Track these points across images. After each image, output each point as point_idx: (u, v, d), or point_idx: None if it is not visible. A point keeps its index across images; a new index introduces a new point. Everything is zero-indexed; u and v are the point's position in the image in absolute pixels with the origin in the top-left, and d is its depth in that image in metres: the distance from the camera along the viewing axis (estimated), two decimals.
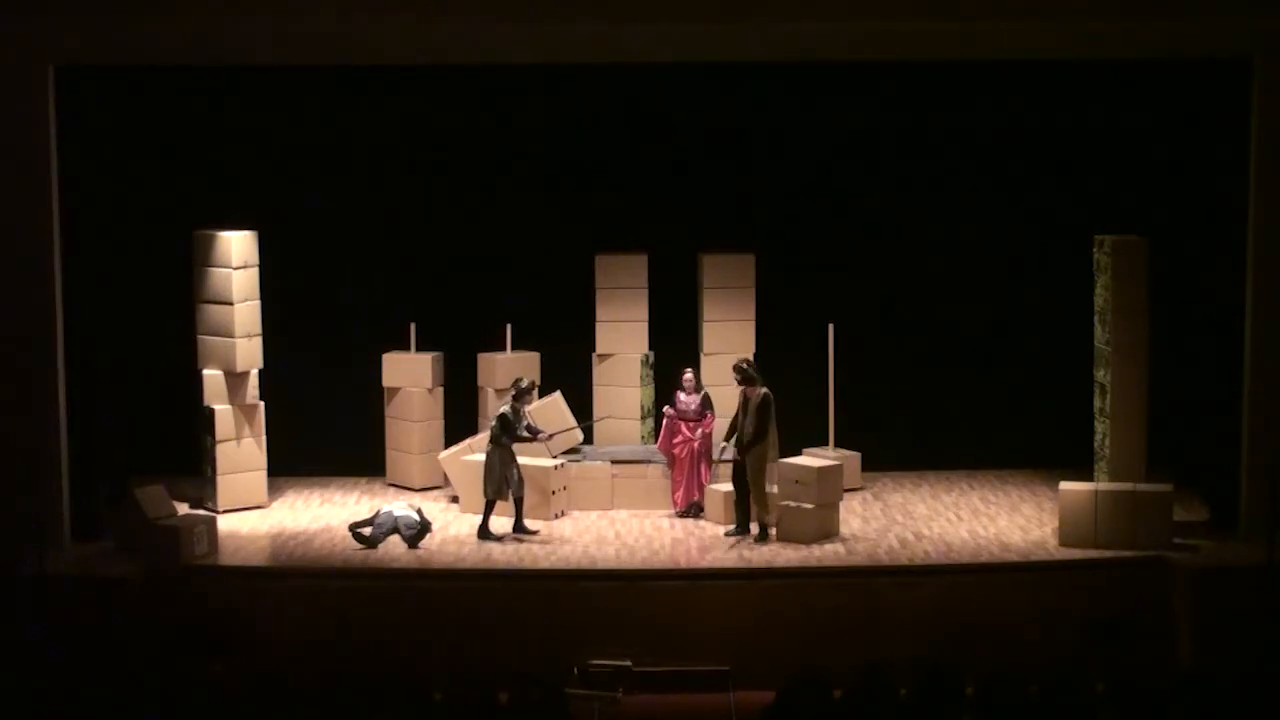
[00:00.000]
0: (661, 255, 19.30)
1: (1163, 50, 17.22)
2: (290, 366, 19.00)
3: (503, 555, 17.07)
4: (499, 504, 17.62)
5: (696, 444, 17.97)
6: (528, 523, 17.65)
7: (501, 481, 17.44)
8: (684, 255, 19.40)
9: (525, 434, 17.60)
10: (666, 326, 19.28)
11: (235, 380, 18.44)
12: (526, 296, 19.35)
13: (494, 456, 17.46)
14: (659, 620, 16.32)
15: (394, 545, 17.24)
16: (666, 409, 18.08)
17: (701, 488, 18.06)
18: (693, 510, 18.02)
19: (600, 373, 19.18)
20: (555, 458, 18.50)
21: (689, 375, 18.15)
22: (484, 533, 17.46)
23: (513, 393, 17.60)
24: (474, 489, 18.36)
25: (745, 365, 17.55)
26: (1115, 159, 18.91)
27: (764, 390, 17.35)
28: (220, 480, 18.40)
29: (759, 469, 17.31)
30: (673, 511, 18.08)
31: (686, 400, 18.00)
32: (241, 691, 13.68)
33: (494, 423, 17.52)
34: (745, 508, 17.48)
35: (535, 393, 17.72)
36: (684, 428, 18.02)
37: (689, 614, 16.38)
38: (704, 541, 17.46)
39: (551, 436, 17.98)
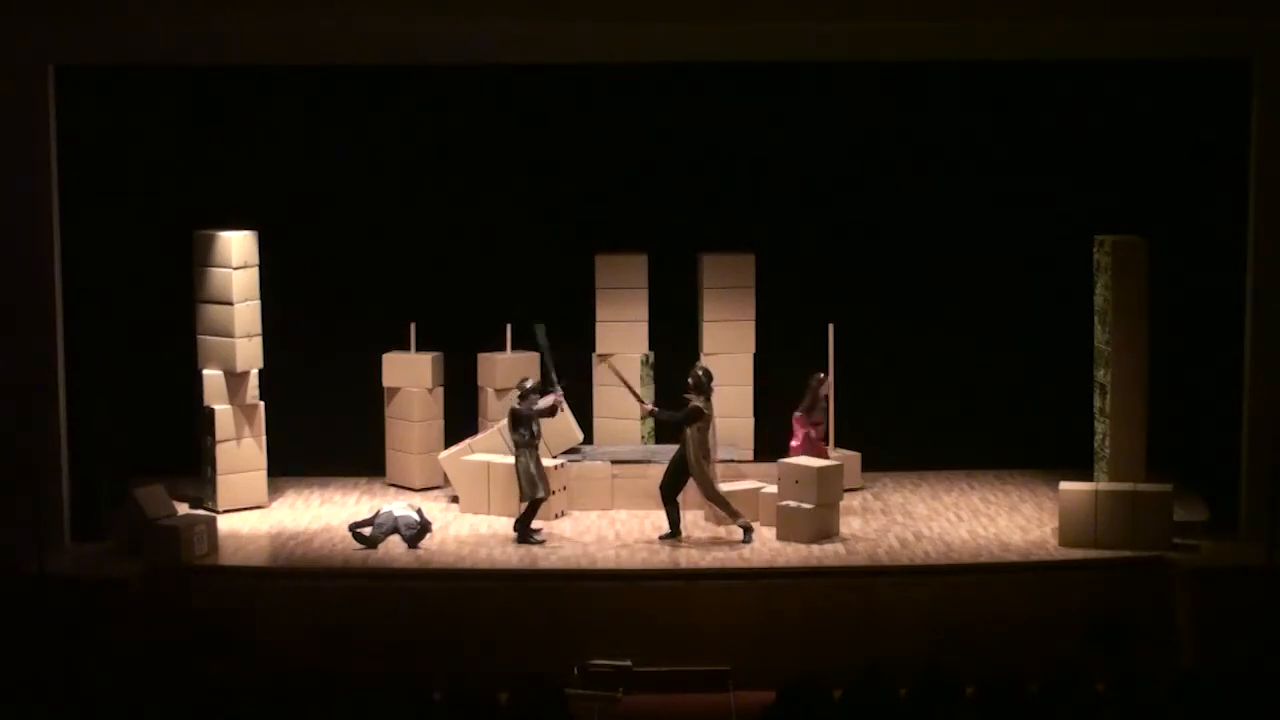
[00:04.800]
0: (661, 255, 19.30)
1: (1163, 50, 17.23)
2: (290, 366, 19.01)
3: (503, 555, 17.07)
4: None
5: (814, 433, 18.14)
6: (536, 523, 17.66)
7: (537, 481, 17.37)
8: (684, 255, 19.40)
9: (540, 413, 17.51)
10: (666, 326, 19.28)
11: (235, 380, 18.44)
12: (526, 297, 19.35)
13: (523, 459, 17.41)
14: (659, 620, 16.32)
15: (394, 545, 17.24)
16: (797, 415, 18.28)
17: None
18: None
19: (600, 373, 19.18)
20: (555, 458, 18.50)
21: (821, 376, 18.23)
22: (524, 535, 17.39)
23: (518, 394, 17.57)
24: (474, 489, 18.39)
25: (700, 374, 17.43)
26: (1115, 159, 18.91)
27: (697, 404, 17.28)
28: (220, 480, 18.40)
29: (703, 482, 17.33)
30: None
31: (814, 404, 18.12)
32: (241, 691, 13.68)
33: (509, 426, 17.44)
34: (675, 510, 17.49)
35: (536, 395, 17.68)
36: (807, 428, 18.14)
37: (689, 614, 16.38)
38: (704, 542, 17.46)
39: (562, 384, 17.85)
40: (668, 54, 17.39)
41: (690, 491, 17.61)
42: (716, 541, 17.46)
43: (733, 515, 17.41)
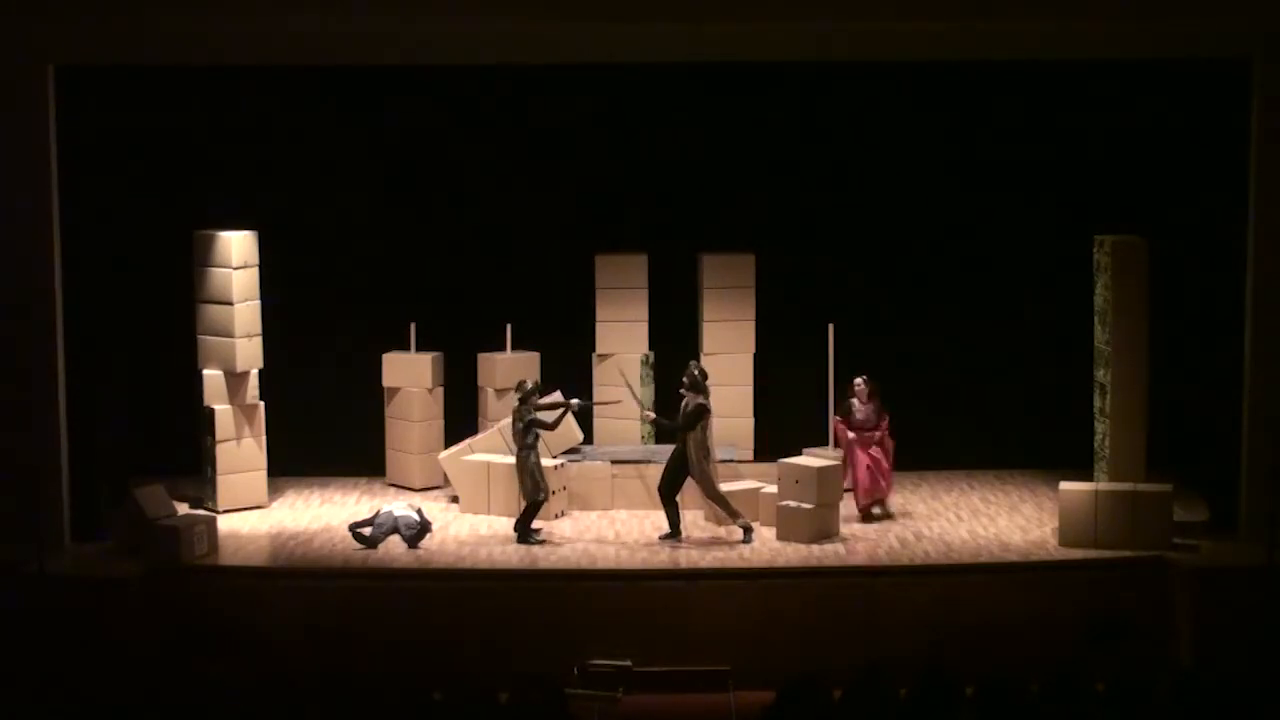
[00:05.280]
0: (661, 255, 19.30)
1: (1163, 50, 17.22)
2: (290, 366, 19.01)
3: (503, 555, 17.07)
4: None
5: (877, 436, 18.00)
6: (537, 523, 17.63)
7: (540, 482, 17.35)
8: (684, 255, 19.40)
9: (547, 420, 17.51)
10: (666, 326, 19.28)
11: (235, 380, 18.44)
12: (526, 297, 19.35)
13: (526, 460, 17.39)
14: (659, 620, 16.32)
15: (394, 545, 17.24)
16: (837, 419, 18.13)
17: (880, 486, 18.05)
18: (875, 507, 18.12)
19: (600, 373, 19.18)
20: (555, 458, 18.50)
21: (859, 383, 18.06)
22: (524, 535, 17.38)
23: (519, 396, 17.54)
24: (474, 489, 18.39)
25: (696, 374, 17.43)
26: (1115, 159, 18.91)
27: (700, 400, 17.31)
28: (220, 480, 18.39)
29: (704, 481, 17.34)
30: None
31: (861, 409, 18.01)
32: (241, 691, 13.68)
33: (519, 430, 17.40)
34: (675, 511, 17.47)
35: (536, 396, 17.67)
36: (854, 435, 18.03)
37: (689, 614, 16.38)
38: (704, 541, 17.46)
39: (574, 406, 17.87)
40: (668, 54, 17.38)
41: (690, 491, 17.62)
42: (716, 541, 17.46)
43: (732, 515, 17.41)
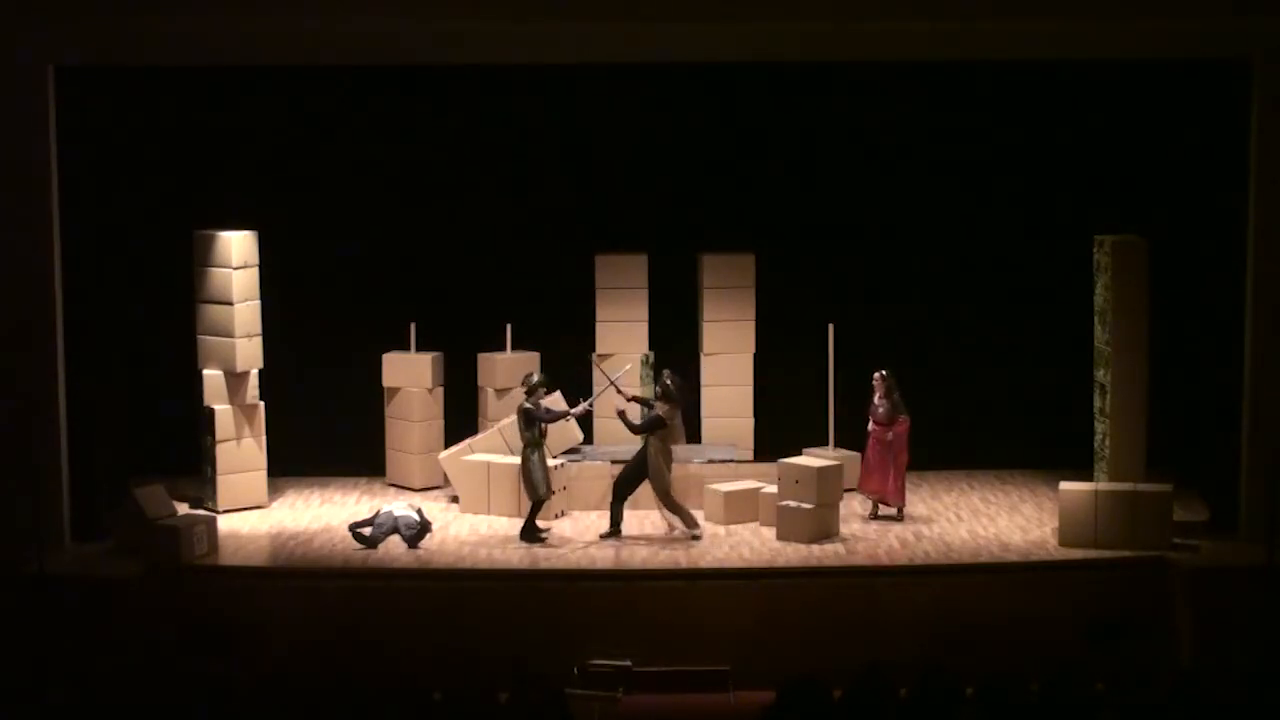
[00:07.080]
0: (661, 255, 19.30)
1: (1163, 50, 17.23)
2: (290, 366, 19.01)
3: (503, 555, 17.07)
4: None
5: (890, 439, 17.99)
6: (540, 522, 17.62)
7: (544, 481, 17.35)
8: (684, 255, 19.41)
9: (552, 417, 17.51)
10: (666, 326, 19.28)
11: (235, 380, 18.44)
12: (526, 297, 19.35)
13: (530, 458, 17.38)
14: (659, 620, 16.33)
15: (394, 545, 17.24)
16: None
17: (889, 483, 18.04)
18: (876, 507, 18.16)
19: (599, 375, 19.15)
20: (555, 458, 18.50)
21: (875, 378, 18.05)
22: (530, 534, 17.37)
23: (525, 390, 17.54)
24: (474, 489, 18.38)
25: (669, 384, 17.38)
26: (1115, 159, 18.91)
27: (657, 414, 17.25)
28: (220, 480, 18.40)
29: (661, 488, 17.34)
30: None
31: (877, 403, 18.02)
32: (241, 691, 13.67)
33: (520, 423, 17.39)
34: (621, 510, 17.48)
35: (543, 390, 17.65)
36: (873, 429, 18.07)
37: (689, 614, 16.38)
38: (704, 541, 17.45)
39: (585, 410, 17.89)
40: (668, 54, 17.38)
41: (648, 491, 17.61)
42: (716, 541, 17.45)
43: (688, 523, 17.38)
